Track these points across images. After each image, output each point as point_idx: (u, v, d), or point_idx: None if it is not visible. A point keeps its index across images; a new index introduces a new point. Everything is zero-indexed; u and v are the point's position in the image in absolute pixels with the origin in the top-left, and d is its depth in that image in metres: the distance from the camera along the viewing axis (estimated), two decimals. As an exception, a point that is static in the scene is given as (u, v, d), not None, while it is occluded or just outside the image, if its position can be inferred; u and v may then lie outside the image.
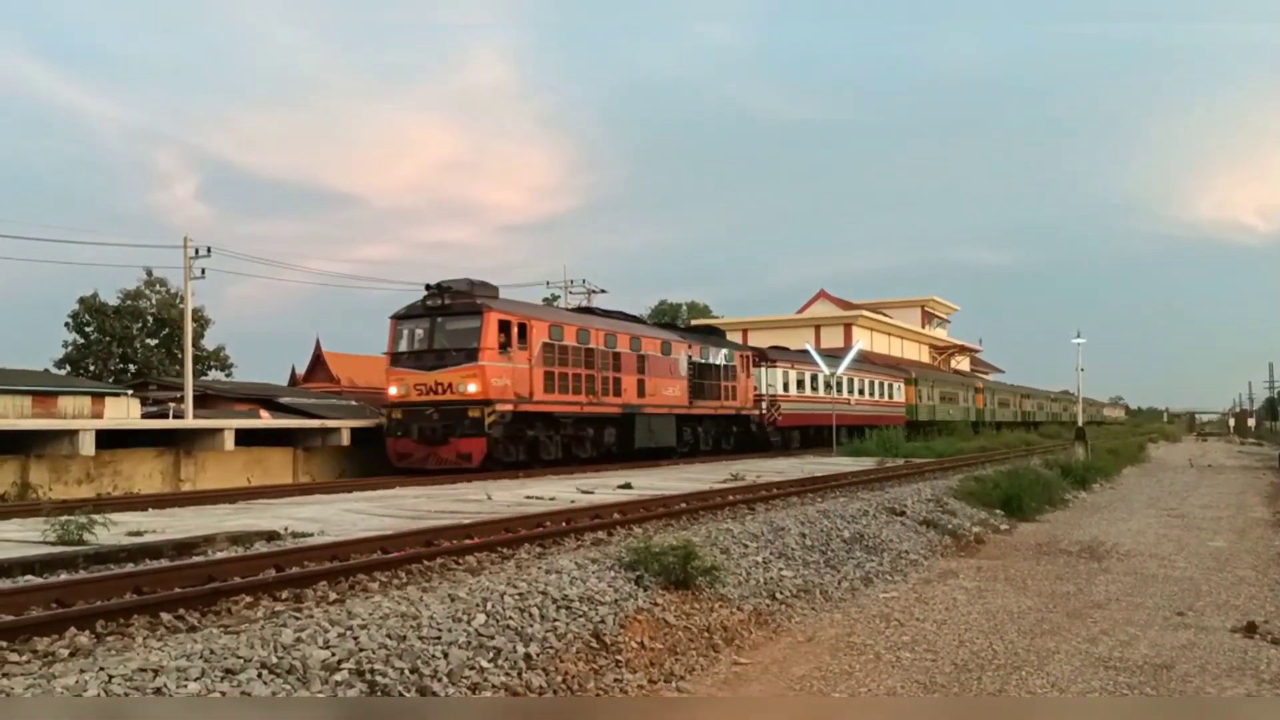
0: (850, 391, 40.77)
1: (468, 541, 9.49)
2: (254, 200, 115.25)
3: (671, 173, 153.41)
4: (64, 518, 9.31)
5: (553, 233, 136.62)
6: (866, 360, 46.33)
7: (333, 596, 7.48)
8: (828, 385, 36.87)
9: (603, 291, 42.46)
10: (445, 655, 6.28)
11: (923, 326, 78.69)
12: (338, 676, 5.69)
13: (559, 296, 46.10)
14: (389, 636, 6.27)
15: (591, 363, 24.05)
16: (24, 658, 5.79)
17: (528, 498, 14.96)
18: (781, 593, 9.34)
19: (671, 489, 16.27)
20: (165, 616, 6.69)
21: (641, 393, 26.23)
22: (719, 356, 31.15)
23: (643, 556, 8.20)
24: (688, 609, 8.03)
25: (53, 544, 8.92)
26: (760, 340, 50.21)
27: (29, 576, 7.76)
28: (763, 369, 35.03)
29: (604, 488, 16.83)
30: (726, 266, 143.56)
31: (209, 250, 30.85)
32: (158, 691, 5.07)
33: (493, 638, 6.67)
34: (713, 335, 33.79)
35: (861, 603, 9.64)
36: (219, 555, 8.54)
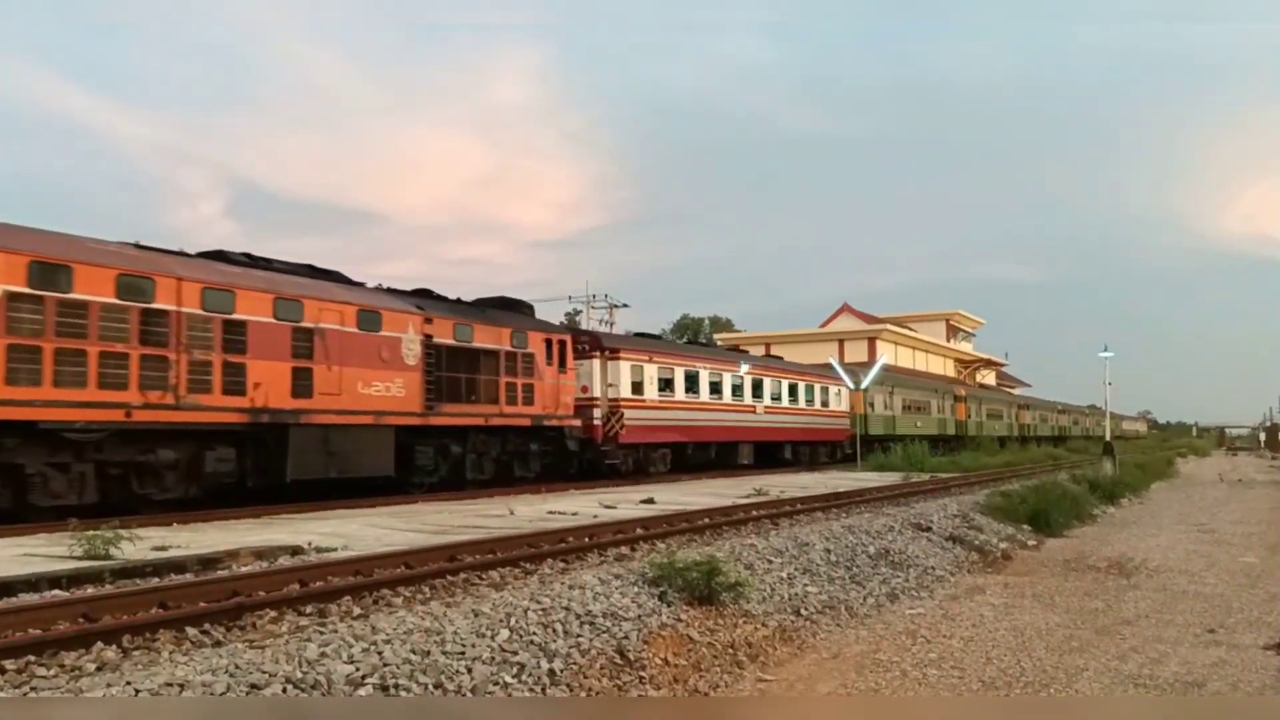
0: (761, 397, 33.45)
1: (490, 557, 9.46)
2: (281, 218, 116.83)
3: (695, 188, 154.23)
4: (90, 533, 9.38)
5: (578, 249, 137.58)
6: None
7: (357, 611, 7.47)
8: (717, 388, 30.71)
9: (625, 306, 42.40)
10: (469, 670, 6.26)
11: (948, 341, 78.30)
12: (362, 691, 5.71)
13: (580, 312, 46.08)
14: (413, 651, 6.27)
15: (160, 336, 14.48)
16: (52, 672, 5.83)
17: (550, 513, 15.00)
18: (806, 609, 9.19)
19: (695, 504, 16.37)
20: (191, 631, 6.72)
21: (303, 390, 16.66)
22: (500, 339, 21.62)
23: (666, 572, 8.10)
24: (712, 625, 7.93)
25: (79, 559, 8.97)
26: (788, 356, 44.03)
27: (56, 591, 7.81)
28: (596, 362, 25.98)
29: (626, 502, 17.03)
30: (749, 281, 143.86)
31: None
32: None
33: (516, 653, 6.66)
34: (493, 310, 22.99)
35: (887, 619, 9.47)
36: (243, 570, 8.56)
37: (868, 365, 41.00)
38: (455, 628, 6.80)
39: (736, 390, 32.01)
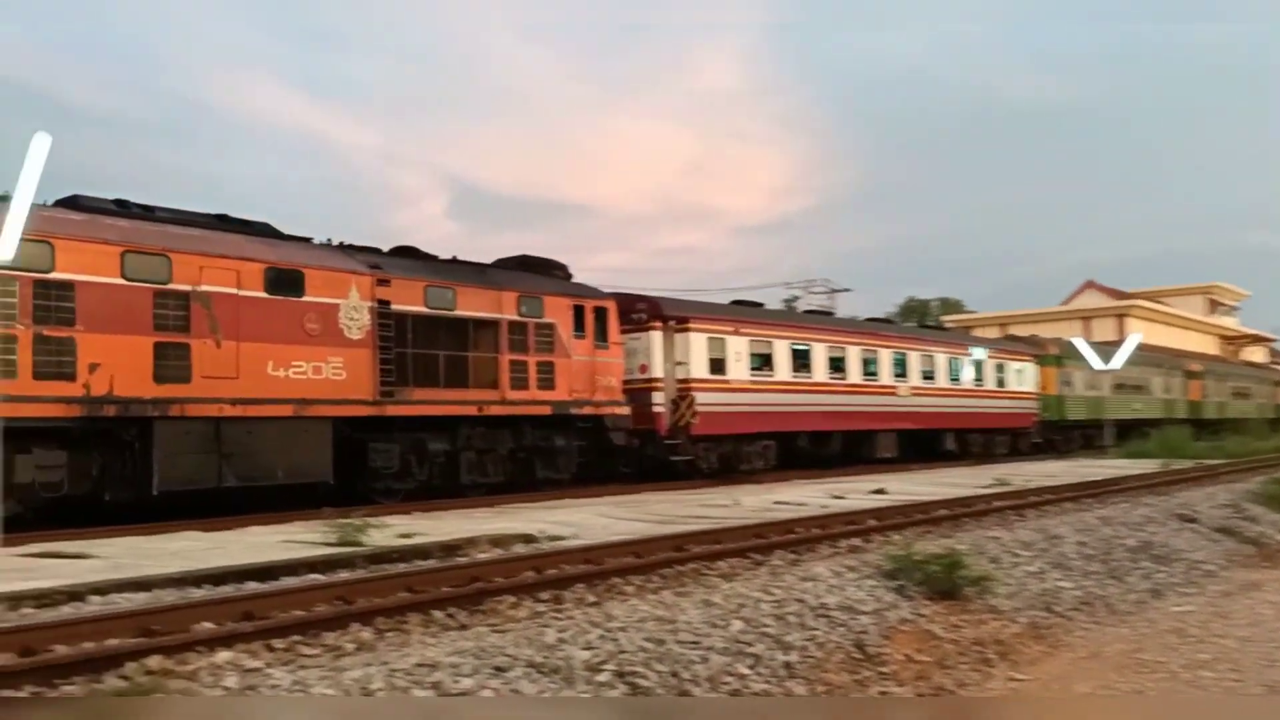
0: (905, 376, 28.14)
1: (718, 547, 9.32)
2: (497, 215, 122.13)
3: (913, 166, 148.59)
4: (341, 520, 9.91)
5: (790, 233, 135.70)
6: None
7: (590, 599, 7.50)
8: (839, 364, 25.46)
9: (846, 290, 41.30)
10: (704, 660, 6.21)
11: (1208, 315, 72.19)
12: (600, 678, 5.69)
13: (799, 297, 45.38)
14: (648, 640, 6.27)
15: None
16: (315, 651, 6.13)
17: (776, 503, 14.63)
18: (1059, 605, 8.55)
19: (929, 493, 15.48)
20: (437, 615, 6.94)
21: (173, 373, 13.44)
22: (501, 306, 18.00)
23: (904, 564, 7.75)
24: (955, 621, 7.51)
25: (333, 545, 9.48)
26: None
27: (314, 575, 8.31)
28: (656, 334, 21.50)
29: (856, 492, 16.25)
30: (977, 259, 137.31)
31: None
32: (435, 686, 5.28)
33: (751, 644, 6.54)
34: (494, 270, 19.19)
35: (1150, 616, 8.70)
36: (481, 557, 8.82)
37: (1114, 345, 35.00)
38: (688, 617, 6.82)
39: (869, 367, 26.65)
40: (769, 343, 23.99)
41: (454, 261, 18.56)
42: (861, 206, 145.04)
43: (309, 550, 9.34)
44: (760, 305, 26.51)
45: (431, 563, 8.84)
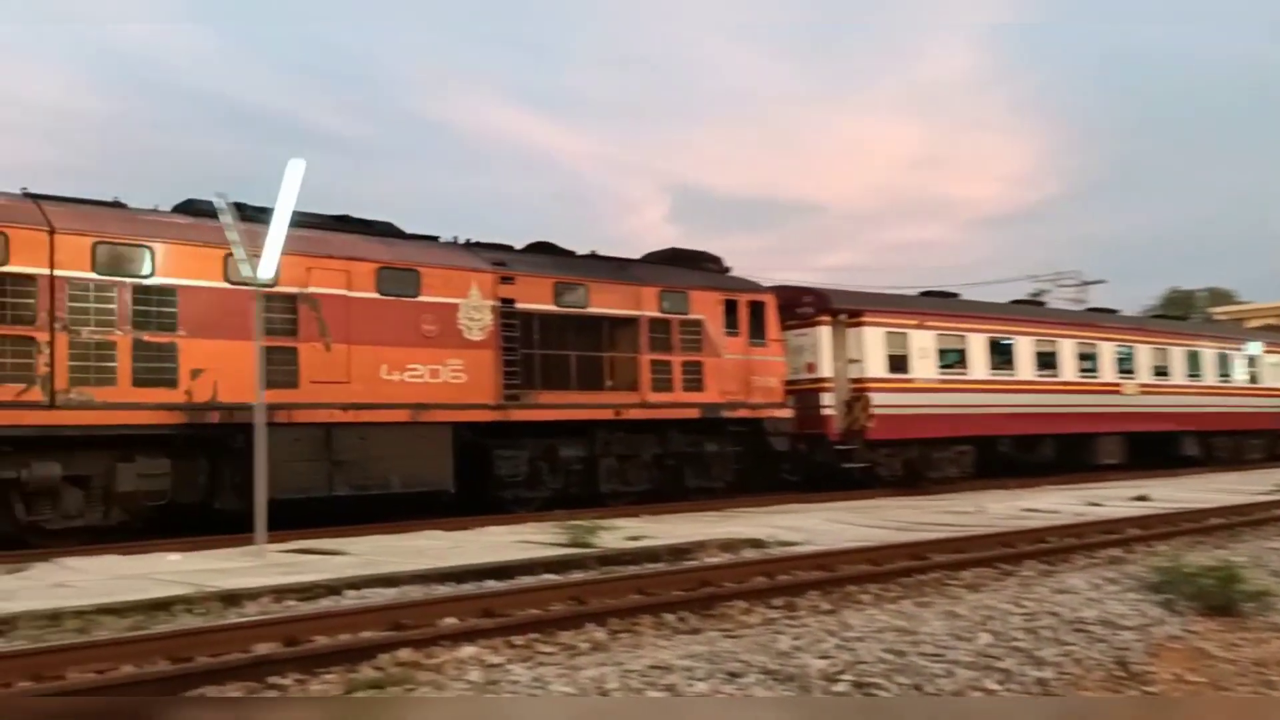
0: (1132, 372, 29.00)
1: (961, 556, 10.42)
2: (717, 217, 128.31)
3: (1172, 146, 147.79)
4: (572, 522, 11.82)
5: (1033, 223, 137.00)
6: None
7: (824, 607, 8.62)
8: (1049, 360, 26.61)
9: (1100, 282, 41.55)
10: (949, 674, 6.85)
11: None
12: (838, 687, 6.42)
13: (1046, 291, 45.75)
14: (887, 651, 7.04)
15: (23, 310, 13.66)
16: (551, 649, 7.42)
17: (1025, 510, 15.88)
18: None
19: (1198, 500, 16.38)
20: (668, 617, 8.19)
21: (280, 378, 15.04)
22: (641, 302, 19.69)
23: (1172, 577, 8.43)
24: (1232, 639, 8.06)
25: (565, 545, 11.28)
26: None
27: (549, 575, 9.93)
28: (824, 329, 22.88)
29: (1114, 499, 17.24)
30: (1252, 244, 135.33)
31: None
32: (669, 689, 6.19)
33: (1000, 659, 7.14)
34: (636, 265, 21.08)
35: None
36: (711, 561, 10.29)
37: None
38: (930, 628, 7.54)
39: (1088, 363, 27.71)
40: (961, 336, 25.09)
41: (592, 257, 20.40)
42: (1116, 192, 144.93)
43: (542, 551, 11.15)
44: (955, 295, 27.50)
45: (661, 566, 10.36)
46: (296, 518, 15.01)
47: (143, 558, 12.51)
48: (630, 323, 19.62)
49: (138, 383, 14.38)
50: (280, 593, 9.28)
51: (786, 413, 21.55)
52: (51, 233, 14.03)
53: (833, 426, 22.44)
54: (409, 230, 18.45)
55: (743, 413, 20.83)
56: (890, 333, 23.53)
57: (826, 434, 22.36)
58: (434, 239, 18.55)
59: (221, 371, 14.88)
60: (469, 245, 18.77)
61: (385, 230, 17.81)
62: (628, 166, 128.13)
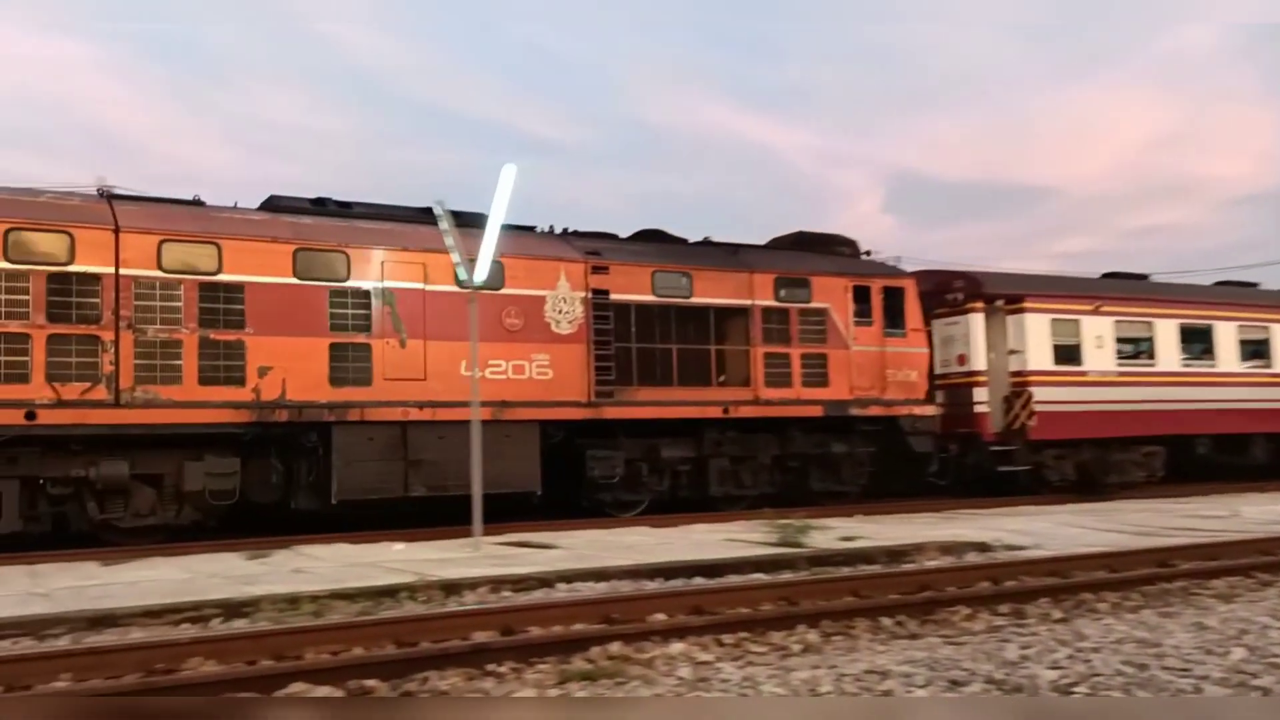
0: None
1: (1213, 564, 11.41)
2: (938, 206, 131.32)
3: None
4: (782, 521, 13.44)
5: None
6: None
7: (1056, 615, 9.58)
8: (1262, 349, 27.19)
9: None
10: (1197, 690, 7.27)
11: None
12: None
13: None
14: (1126, 663, 7.64)
15: (90, 309, 15.66)
16: (762, 649, 8.45)
17: None
18: None
19: None
20: (885, 621, 9.24)
21: (352, 375, 17.25)
22: (753, 290, 21.18)
23: None
24: None
25: (774, 545, 12.82)
26: None
27: (758, 574, 11.30)
28: (975, 317, 23.93)
29: None
30: None
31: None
32: (886, 694, 6.93)
33: (1257, 676, 7.47)
34: (749, 250, 22.42)
35: None
36: (930, 564, 11.54)
37: None
38: (1175, 641, 8.18)
39: None
40: (1147, 323, 25.81)
41: (703, 244, 21.97)
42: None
43: (751, 549, 12.71)
44: (1143, 277, 27.89)
45: (876, 568, 11.63)
46: (389, 518, 17.33)
47: (371, 547, 15.17)
48: (740, 313, 21.08)
49: (204, 381, 16.09)
50: (497, 583, 11.20)
51: (929, 410, 22.60)
52: (117, 231, 15.77)
53: (987, 425, 23.33)
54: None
55: (875, 410, 21.97)
56: (1057, 319, 24.28)
57: (980, 433, 23.26)
58: (530, 229, 19.94)
59: (290, 369, 16.61)
60: (564, 235, 20.38)
61: (475, 222, 18.81)
62: (845, 158, 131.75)
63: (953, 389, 23.33)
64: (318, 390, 16.81)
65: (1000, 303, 23.99)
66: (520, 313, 18.49)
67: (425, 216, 18.20)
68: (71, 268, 15.43)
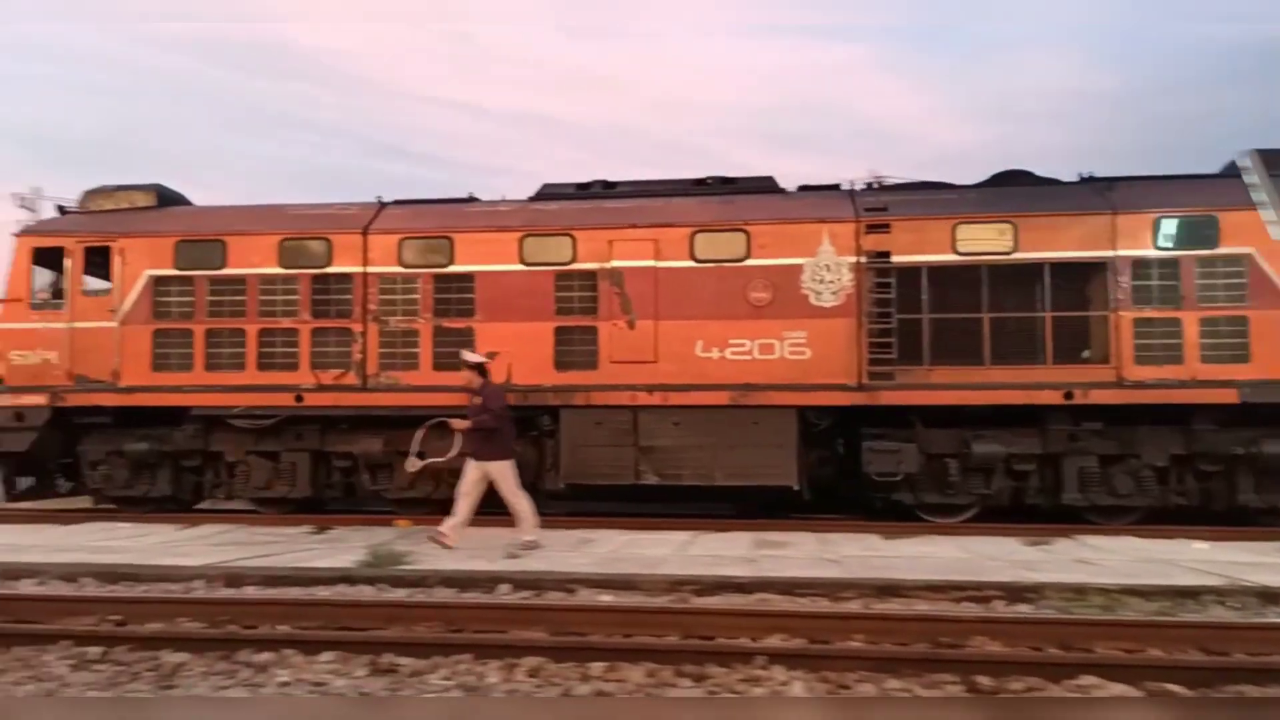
0: None
1: None
2: None
3: None
4: None
5: None
6: None
7: None
8: None
9: None
10: None
11: None
12: None
13: None
14: None
15: (334, 304, 18.53)
16: None
17: None
18: None
19: None
20: None
21: (577, 359, 17.72)
22: (1100, 238, 16.68)
23: None
24: None
25: None
26: None
27: None
28: None
29: None
30: None
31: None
32: None
33: None
34: (1119, 186, 17.29)
35: None
36: None
37: None
38: None
39: None
40: None
41: (1048, 182, 18.18)
42: None
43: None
44: None
45: None
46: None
47: (1165, 542, 14.99)
48: (1094, 268, 17.01)
49: (438, 366, 17.97)
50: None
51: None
52: (365, 234, 18.50)
53: None
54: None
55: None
56: None
57: None
58: (825, 188, 18.42)
59: (516, 354, 17.68)
60: (836, 189, 18.32)
61: (760, 187, 18.43)
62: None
63: None
64: (543, 374, 17.59)
65: None
66: (768, 285, 17.22)
67: (693, 189, 18.57)
68: (330, 269, 18.38)
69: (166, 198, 20.30)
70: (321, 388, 18.31)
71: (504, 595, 11.17)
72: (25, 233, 19.65)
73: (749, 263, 17.35)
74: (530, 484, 17.54)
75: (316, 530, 16.33)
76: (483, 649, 8.44)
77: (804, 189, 18.52)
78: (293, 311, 18.52)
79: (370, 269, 18.37)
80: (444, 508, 15.14)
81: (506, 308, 17.92)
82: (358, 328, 18.28)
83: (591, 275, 17.77)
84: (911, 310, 16.96)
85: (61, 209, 20.23)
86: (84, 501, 19.82)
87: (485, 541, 14.32)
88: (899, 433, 17.04)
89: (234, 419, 18.58)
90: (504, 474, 14.14)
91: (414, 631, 9.16)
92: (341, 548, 14.14)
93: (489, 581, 11.61)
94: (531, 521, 14.19)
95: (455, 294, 18.13)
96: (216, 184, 74.71)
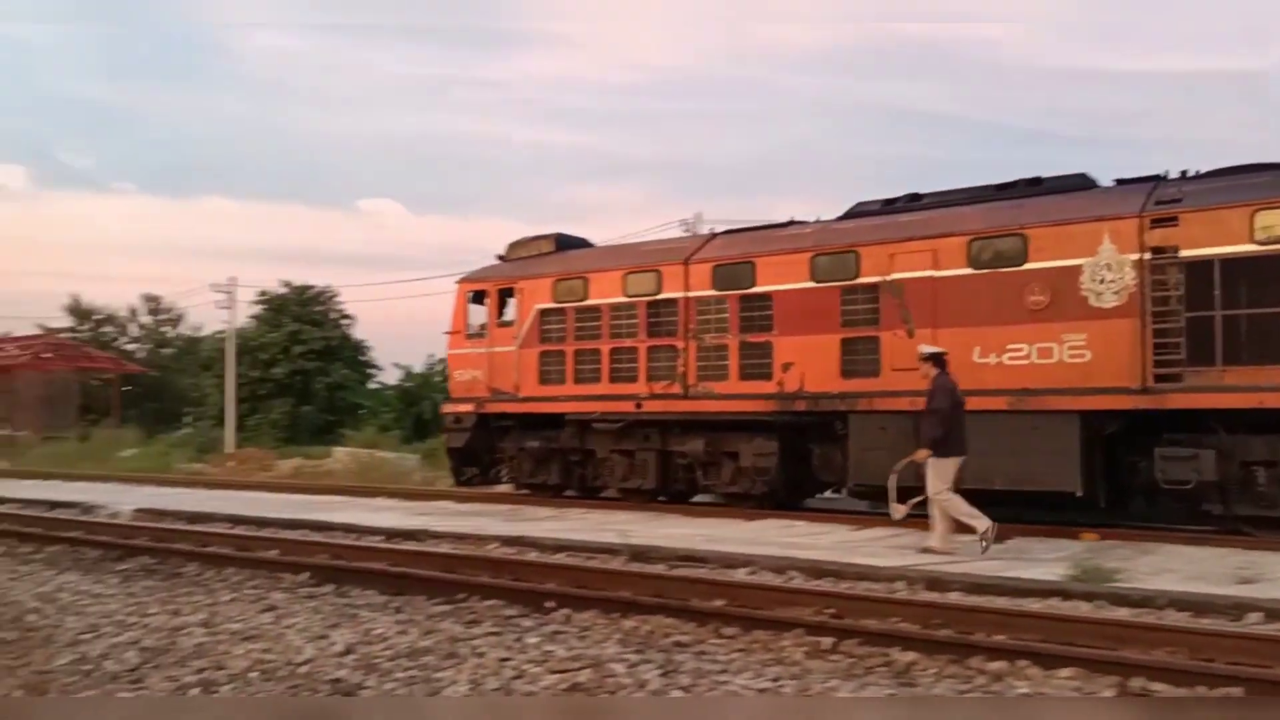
0: None
1: None
2: None
3: None
4: None
5: None
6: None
7: None
8: None
9: None
10: None
11: None
12: None
13: None
14: None
15: (663, 325, 20.91)
16: None
17: None
18: None
19: None
20: None
21: (861, 367, 18.18)
22: None
23: None
24: None
25: None
26: None
27: None
28: None
29: None
30: None
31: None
32: None
33: None
34: None
35: None
36: None
37: None
38: None
39: None
40: None
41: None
42: None
43: None
44: None
45: None
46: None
47: None
48: None
49: (743, 377, 19.87)
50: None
51: None
52: (686, 264, 20.95)
53: None
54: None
55: None
56: None
57: None
58: (1142, 181, 16.94)
59: (807, 364, 19.01)
60: (1119, 185, 17.08)
61: (1071, 185, 17.64)
62: None
63: None
64: (831, 382, 18.40)
65: None
66: (1045, 288, 16.43)
67: (995, 194, 18.26)
68: (660, 295, 20.93)
69: (563, 243, 24.00)
70: (654, 396, 20.84)
71: (1253, 624, 9.88)
72: (464, 280, 24.57)
73: (1026, 266, 16.74)
74: (835, 485, 19.87)
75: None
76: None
77: (1120, 183, 17.18)
78: (633, 333, 21.29)
79: (690, 293, 20.55)
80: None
81: (799, 322, 19.04)
82: (680, 345, 20.54)
83: (874, 288, 18.21)
84: (1202, 307, 15.25)
85: (501, 257, 24.79)
86: (506, 487, 24.41)
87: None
88: (1203, 438, 15.36)
89: (594, 423, 21.73)
90: (940, 471, 14.54)
91: (1154, 655, 8.50)
92: (1025, 559, 13.86)
93: (1231, 609, 10.33)
94: (946, 533, 14.52)
95: (757, 312, 19.61)
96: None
